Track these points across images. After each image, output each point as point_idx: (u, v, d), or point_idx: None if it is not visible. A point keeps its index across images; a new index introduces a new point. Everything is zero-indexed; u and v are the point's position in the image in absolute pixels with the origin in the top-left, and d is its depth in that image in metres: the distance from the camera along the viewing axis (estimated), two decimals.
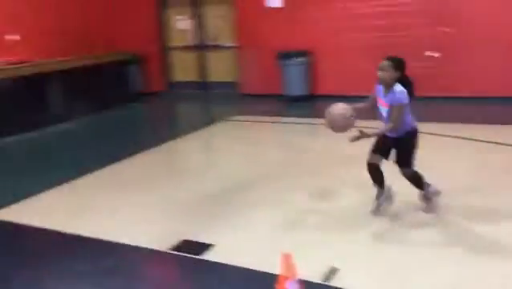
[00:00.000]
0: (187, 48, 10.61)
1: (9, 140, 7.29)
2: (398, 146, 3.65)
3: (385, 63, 3.47)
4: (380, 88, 3.59)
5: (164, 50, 10.82)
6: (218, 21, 10.20)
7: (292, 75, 9.02)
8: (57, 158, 6.48)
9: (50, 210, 4.52)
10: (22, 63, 7.90)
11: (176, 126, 8.82)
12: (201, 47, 10.48)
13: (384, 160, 3.77)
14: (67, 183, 5.20)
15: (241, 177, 5.08)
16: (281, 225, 3.82)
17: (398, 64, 3.47)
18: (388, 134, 3.62)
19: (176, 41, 10.74)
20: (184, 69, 10.76)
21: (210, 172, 5.49)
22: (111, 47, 9.99)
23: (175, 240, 3.63)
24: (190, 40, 10.55)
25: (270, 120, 7.89)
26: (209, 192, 4.71)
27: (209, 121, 8.18)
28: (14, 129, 7.45)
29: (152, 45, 10.67)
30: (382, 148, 3.72)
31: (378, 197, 3.87)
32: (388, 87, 3.50)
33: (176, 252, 3.50)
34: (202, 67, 10.57)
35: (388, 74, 3.45)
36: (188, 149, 6.78)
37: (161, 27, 10.69)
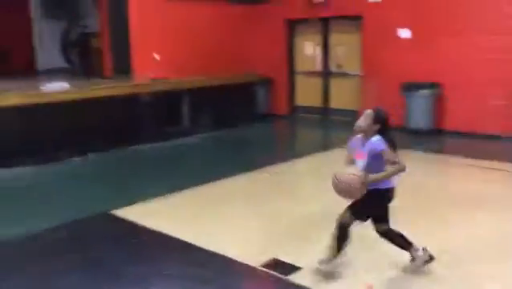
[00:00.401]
0: (312, 74, 10.86)
1: (143, 147, 8.13)
2: (371, 200, 3.39)
3: (368, 111, 3.41)
4: (358, 140, 3.47)
5: (291, 74, 11.19)
6: (344, 49, 10.30)
7: (416, 107, 8.74)
8: (180, 167, 7.10)
9: (165, 214, 5.00)
10: (162, 79, 8.80)
11: (293, 148, 9.07)
12: (326, 74, 10.65)
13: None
14: (186, 190, 5.68)
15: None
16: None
17: (378, 117, 3.38)
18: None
19: (302, 66, 11.06)
20: (308, 94, 11.01)
21: (317, 196, 5.57)
22: (242, 69, 10.61)
23: (267, 258, 3.79)
24: (316, 66, 10.79)
25: None
26: (310, 215, 4.81)
27: (326, 146, 8.25)
28: (149, 138, 8.30)
29: (280, 69, 11.11)
30: (359, 210, 3.45)
31: (328, 260, 3.51)
32: (366, 137, 3.39)
33: (265, 269, 3.65)
34: (325, 94, 10.73)
35: (367, 123, 3.37)
36: (301, 171, 6.94)
37: (290, 52, 11.10)
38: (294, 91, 11.26)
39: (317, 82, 10.80)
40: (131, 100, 8.09)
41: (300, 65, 11.11)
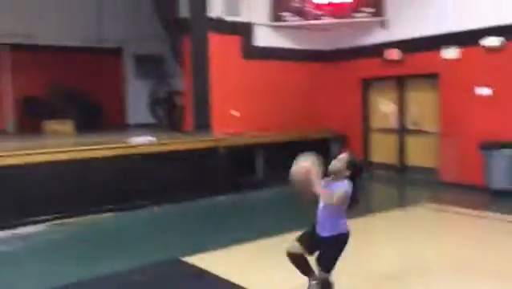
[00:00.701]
0: (388, 131, 10.81)
1: (219, 198, 8.45)
2: (323, 246, 3.63)
3: (343, 155, 3.61)
4: (327, 182, 3.57)
5: (366, 131, 11.21)
6: (421, 106, 10.21)
7: (498, 167, 8.36)
8: (253, 219, 7.34)
9: (234, 263, 5.18)
10: (239, 134, 9.23)
11: (368, 204, 8.96)
12: (402, 131, 10.55)
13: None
14: (256, 241, 5.87)
15: (412, 266, 4.96)
16: None
17: (352, 166, 3.54)
18: (319, 232, 3.68)
19: (377, 123, 11.06)
20: (383, 151, 10.93)
21: (387, 253, 5.47)
22: (316, 125, 10.82)
23: None
24: (391, 123, 10.74)
25: (467, 213, 7.40)
26: (381, 273, 4.73)
27: (401, 204, 8.08)
28: (225, 190, 8.63)
29: (354, 125, 11.19)
30: (308, 241, 3.65)
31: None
32: (337, 179, 3.53)
33: None
34: (401, 151, 10.58)
35: (340, 166, 3.54)
36: (374, 228, 6.83)
37: (365, 109, 11.18)
38: (368, 148, 11.22)
39: (392, 139, 10.71)
40: (208, 154, 8.54)
41: (375, 122, 11.12)
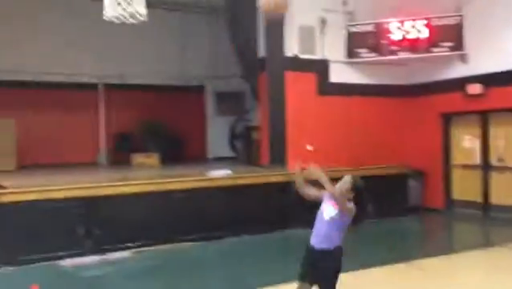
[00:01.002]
0: (471, 167, 10.39)
1: (295, 231, 8.49)
2: (320, 262, 3.61)
3: (347, 178, 3.66)
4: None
5: (447, 167, 10.85)
6: (506, 141, 9.75)
7: None
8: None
9: None
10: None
11: (449, 243, 8.68)
12: (486, 167, 10.10)
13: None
14: None
15: None
16: None
17: (356, 189, 3.61)
18: (315, 246, 3.75)
19: (459, 159, 10.67)
20: (466, 188, 10.49)
21: None
22: (393, 160, 10.66)
23: None
24: (474, 159, 10.32)
25: None
26: None
27: (485, 244, 7.74)
28: (300, 223, 8.66)
29: (434, 161, 10.88)
30: (310, 270, 3.69)
31: None
32: (343, 199, 3.50)
33: None
34: (485, 188, 10.10)
35: (345, 187, 3.61)
36: (457, 268, 6.60)
37: (446, 145, 10.86)
38: (450, 185, 10.83)
39: (476, 175, 10.27)
40: (283, 187, 8.72)
41: (457, 158, 10.74)
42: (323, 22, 10.25)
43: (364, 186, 3.79)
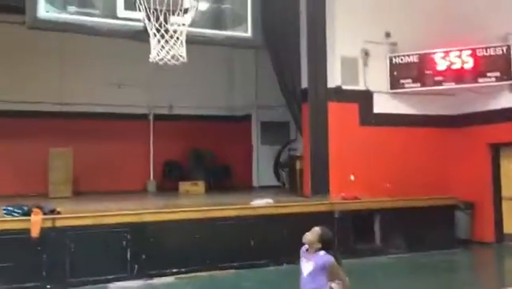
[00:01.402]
0: None
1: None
2: None
3: (316, 228, 3.82)
4: (304, 249, 3.93)
5: (497, 199, 10.52)
6: None
7: None
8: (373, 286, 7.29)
9: None
10: (354, 199, 9.36)
11: (497, 278, 8.37)
12: None
13: None
14: None
15: None
16: None
17: (323, 237, 3.86)
18: None
19: (509, 190, 10.34)
20: None
21: None
22: (439, 191, 10.47)
23: None
24: None
25: None
26: None
27: None
28: (341, 253, 8.71)
29: (483, 193, 10.57)
30: None
31: None
32: (312, 249, 3.74)
33: None
34: None
35: (312, 238, 3.87)
36: None
37: (495, 176, 10.55)
38: (500, 217, 10.47)
39: None
40: (324, 217, 8.76)
41: (507, 189, 10.41)
42: (366, 53, 10.39)
43: (331, 238, 4.01)
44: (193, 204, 9.13)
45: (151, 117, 13.83)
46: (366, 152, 10.16)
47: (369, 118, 10.37)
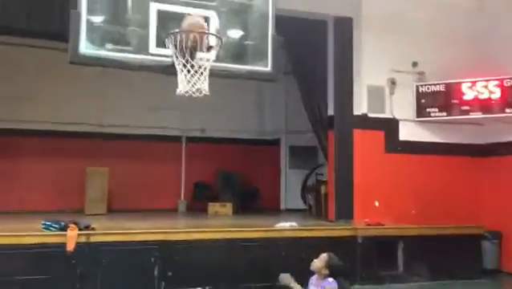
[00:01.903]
0: None
1: (355, 288, 8.68)
2: None
3: (323, 255, 4.02)
4: (314, 279, 3.97)
5: None
6: None
7: None
8: None
9: None
10: (378, 225, 9.48)
11: None
12: None
13: None
14: None
15: None
16: None
17: (329, 263, 4.06)
18: None
19: None
20: None
21: None
22: (465, 220, 10.43)
23: None
24: None
25: None
26: None
27: None
28: (362, 279, 8.83)
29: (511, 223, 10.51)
30: None
31: None
32: (320, 276, 3.88)
33: None
34: None
35: (319, 266, 4.06)
36: None
37: None
38: None
39: None
40: (347, 242, 8.93)
41: None
42: (393, 82, 10.61)
43: (339, 264, 4.13)
44: (221, 225, 9.48)
45: (183, 139, 14.35)
46: (391, 179, 10.30)
47: (395, 145, 10.53)
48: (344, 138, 10.25)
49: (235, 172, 14.16)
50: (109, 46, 6.39)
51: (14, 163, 12.84)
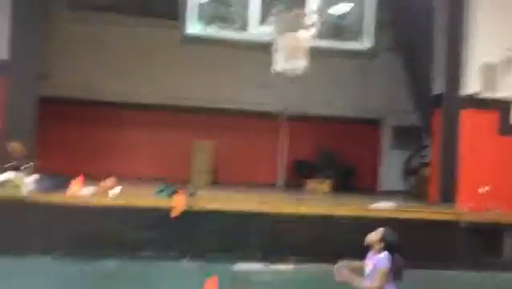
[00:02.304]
0: None
1: (457, 273, 8.37)
2: None
3: (380, 229, 3.92)
4: (371, 253, 4.10)
5: None
6: None
7: None
8: None
9: None
10: (484, 210, 9.00)
11: None
12: None
13: None
14: None
15: None
16: None
17: (384, 237, 4.03)
18: None
19: None
20: None
21: None
22: None
23: None
24: None
25: None
26: None
27: None
28: (463, 265, 8.51)
29: None
30: None
31: None
32: (375, 250, 3.84)
33: None
34: None
35: (374, 238, 4.07)
36: None
37: None
38: None
39: None
40: (448, 226, 8.62)
41: None
42: (509, 60, 9.84)
43: (395, 240, 4.11)
44: (319, 200, 9.62)
45: (284, 116, 14.57)
46: (504, 163, 9.66)
47: (509, 127, 9.81)
48: (452, 118, 9.77)
49: (334, 150, 14.11)
50: (215, 25, 6.73)
51: (129, 135, 14.01)
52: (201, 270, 7.64)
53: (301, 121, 14.40)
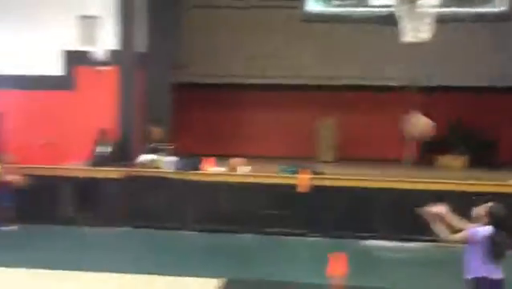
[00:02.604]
0: None
1: None
2: None
3: (488, 204, 3.74)
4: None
5: None
6: None
7: None
8: None
9: None
10: None
11: None
12: None
13: None
14: None
15: None
16: None
17: (491, 212, 3.68)
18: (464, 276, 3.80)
19: None
20: None
21: None
22: None
23: None
24: None
25: None
26: None
27: None
28: None
29: None
30: None
31: None
32: (480, 223, 3.66)
33: None
34: None
35: (481, 212, 3.73)
36: None
37: None
38: None
39: None
40: None
41: None
42: None
43: (502, 216, 3.72)
44: (451, 177, 9.14)
45: (411, 89, 13.86)
46: None
47: None
48: None
49: (469, 123, 13.11)
50: (334, 2, 6.69)
51: (256, 114, 14.51)
52: (328, 244, 7.79)
53: (427, 92, 13.62)
